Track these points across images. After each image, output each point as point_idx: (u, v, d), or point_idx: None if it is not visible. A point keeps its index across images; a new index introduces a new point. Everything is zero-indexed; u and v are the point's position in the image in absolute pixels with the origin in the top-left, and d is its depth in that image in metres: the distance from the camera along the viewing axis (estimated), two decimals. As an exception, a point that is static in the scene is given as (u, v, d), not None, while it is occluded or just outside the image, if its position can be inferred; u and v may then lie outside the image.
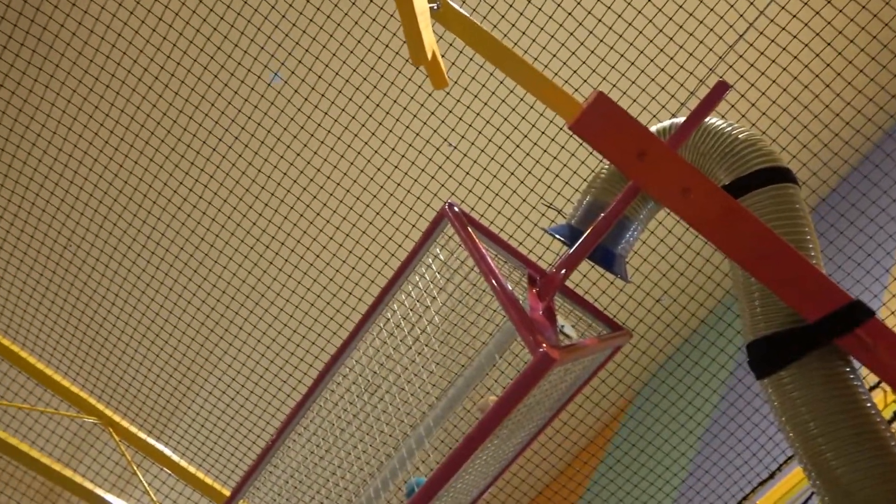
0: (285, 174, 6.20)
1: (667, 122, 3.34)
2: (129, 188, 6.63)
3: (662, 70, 4.49)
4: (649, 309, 6.23)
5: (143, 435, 6.55)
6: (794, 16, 4.37)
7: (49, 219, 6.75)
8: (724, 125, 2.94)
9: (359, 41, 5.19)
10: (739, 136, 2.86)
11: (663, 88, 4.57)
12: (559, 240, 3.30)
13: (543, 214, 4.91)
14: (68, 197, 6.58)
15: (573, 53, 4.66)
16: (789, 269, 2.23)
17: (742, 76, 4.41)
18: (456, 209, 2.84)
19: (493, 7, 4.55)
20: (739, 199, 2.63)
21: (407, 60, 5.01)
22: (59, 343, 7.13)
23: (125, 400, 7.35)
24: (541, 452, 7.16)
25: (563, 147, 5.20)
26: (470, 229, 2.70)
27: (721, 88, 2.31)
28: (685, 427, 6.60)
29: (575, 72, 4.59)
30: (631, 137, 2.14)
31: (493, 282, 2.32)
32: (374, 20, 5.14)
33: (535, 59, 4.67)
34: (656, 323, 6.46)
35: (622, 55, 4.43)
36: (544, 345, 1.95)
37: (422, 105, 4.87)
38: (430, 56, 2.14)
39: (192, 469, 6.42)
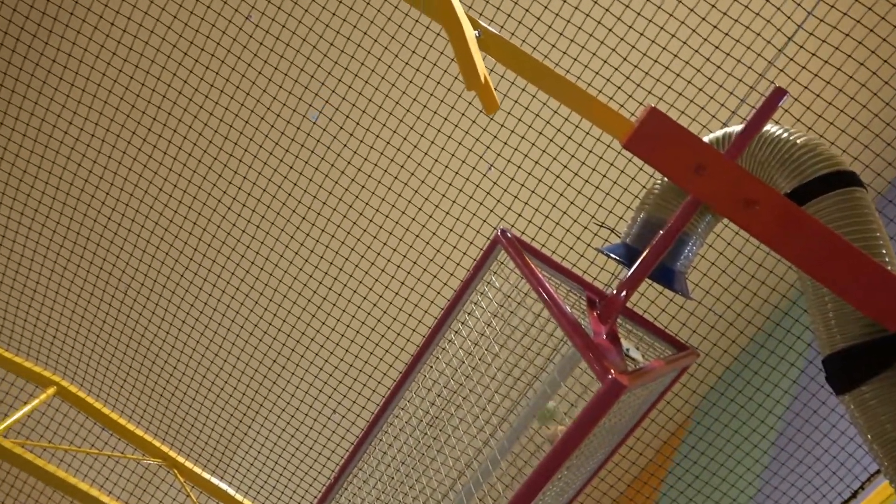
0: (335, 209, 6.27)
1: (719, 133, 3.26)
2: (185, 233, 6.79)
3: (710, 79, 4.41)
4: (702, 318, 6.04)
5: (206, 475, 6.63)
6: (845, 13, 4.24)
7: (109, 266, 6.97)
8: (781, 131, 2.85)
9: (399, 73, 5.24)
10: (797, 141, 2.76)
11: (712, 98, 4.47)
12: (615, 259, 3.23)
13: (596, 234, 4.83)
14: (127, 245, 6.79)
15: (616, 69, 4.61)
16: (864, 277, 2.12)
17: (794, 79, 4.29)
18: (509, 235, 2.81)
19: (531, 29, 4.55)
20: (804, 207, 2.54)
21: (449, 90, 5.03)
22: (123, 388, 7.31)
23: (188, 441, 7.46)
24: (600, 475, 6.97)
25: (611, 164, 5.14)
26: (525, 255, 2.66)
27: (777, 95, 2.23)
28: (749, 440, 6.34)
29: (619, 88, 4.54)
30: (687, 151, 2.08)
31: (554, 308, 2.26)
32: (414, 52, 5.19)
33: (578, 77, 4.64)
34: (710, 333, 6.26)
35: (667, 67, 4.36)
36: (612, 371, 1.89)
37: (466, 132, 4.88)
38: (482, 80, 2.13)
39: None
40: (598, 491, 6.82)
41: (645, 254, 2.56)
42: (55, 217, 6.71)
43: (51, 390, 6.64)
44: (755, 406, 5.91)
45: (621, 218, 4.54)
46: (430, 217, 5.71)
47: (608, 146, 4.31)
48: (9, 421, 6.19)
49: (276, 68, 5.53)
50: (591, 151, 5.01)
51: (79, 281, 7.08)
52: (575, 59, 4.58)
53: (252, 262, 6.60)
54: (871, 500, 3.77)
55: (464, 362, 2.76)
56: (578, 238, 5.06)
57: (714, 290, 5.66)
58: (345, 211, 6.05)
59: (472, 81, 2.14)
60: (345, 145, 5.73)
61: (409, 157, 5.60)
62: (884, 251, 2.41)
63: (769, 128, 2.87)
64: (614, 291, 2.59)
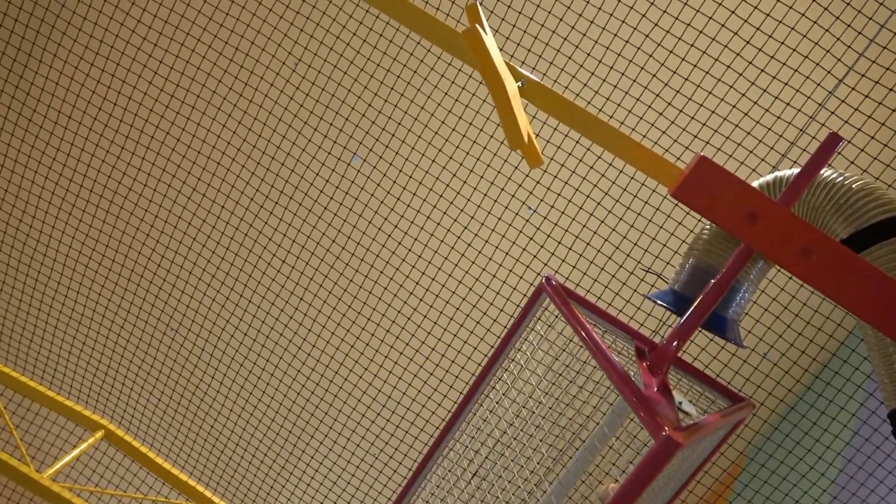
0: (378, 255, 6.31)
1: (770, 177, 3.18)
2: (231, 279, 6.90)
3: (758, 122, 4.33)
4: (756, 366, 5.84)
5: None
6: (896, 54, 4.15)
7: (158, 312, 7.11)
8: (835, 175, 2.77)
9: (442, 121, 5.31)
10: (853, 186, 2.68)
11: (761, 141, 4.39)
12: (663, 307, 3.15)
13: (642, 279, 4.74)
14: (175, 291, 6.92)
15: (661, 114, 4.58)
16: (935, 329, 2.02)
17: (846, 121, 4.19)
18: (554, 282, 2.77)
19: (574, 76, 4.57)
20: (861, 254, 2.45)
21: (493, 139, 5.06)
22: (168, 432, 7.37)
23: (230, 487, 7.46)
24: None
25: (657, 209, 5.07)
26: (570, 302, 2.61)
27: (833, 141, 2.17)
28: (809, 494, 6.03)
29: (664, 132, 4.50)
30: (739, 200, 2.03)
31: (602, 359, 2.21)
32: (457, 100, 5.26)
33: (622, 122, 4.62)
34: (765, 381, 6.03)
35: (713, 111, 4.31)
36: (667, 428, 1.82)
37: (509, 178, 4.88)
38: (525, 138, 2.12)
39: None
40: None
41: (697, 303, 2.49)
42: (107, 264, 6.90)
43: (99, 434, 6.74)
44: (813, 457, 5.64)
45: (668, 263, 4.45)
46: (474, 263, 5.70)
47: (654, 190, 4.26)
48: (59, 465, 6.29)
49: (321, 118, 5.66)
50: (636, 196, 4.96)
51: (128, 326, 7.23)
52: (619, 105, 4.57)
53: (296, 308, 6.66)
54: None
55: (509, 412, 2.71)
56: (624, 284, 4.97)
57: (768, 336, 5.49)
58: (388, 257, 6.08)
59: (515, 140, 2.14)
60: (388, 192, 5.80)
61: (451, 203, 5.63)
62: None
63: (822, 171, 2.79)
64: (664, 341, 2.52)
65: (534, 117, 4.33)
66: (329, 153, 5.74)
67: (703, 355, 5.54)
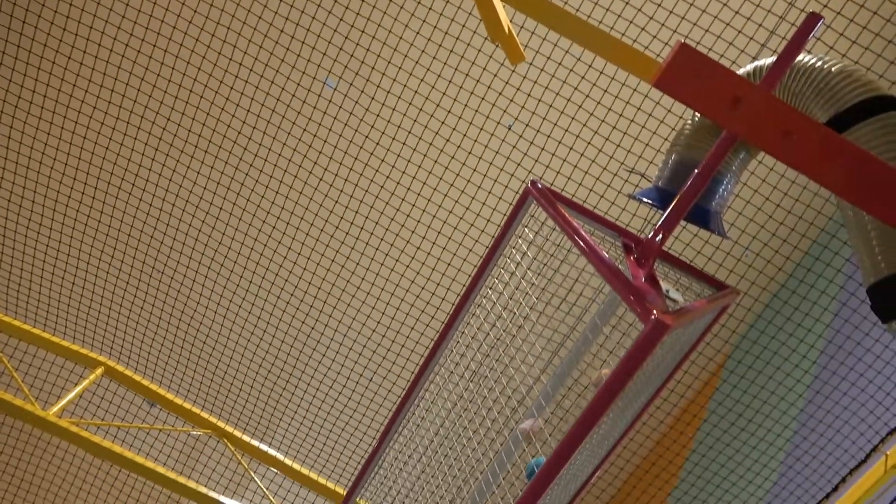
0: (361, 174, 6.28)
1: (750, 67, 3.18)
2: (215, 206, 6.87)
3: (737, 13, 4.26)
4: (739, 258, 5.97)
5: (255, 442, 6.83)
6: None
7: (144, 246, 7.10)
8: (815, 60, 2.78)
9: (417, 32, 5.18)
10: (832, 69, 2.69)
11: (740, 32, 4.34)
12: (648, 204, 3.19)
13: (626, 181, 4.77)
14: (161, 221, 6.89)
15: (639, 10, 4.49)
16: (912, 203, 2.07)
17: (825, 5, 4.14)
18: (539, 186, 2.79)
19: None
20: (843, 135, 2.48)
21: (468, 44, 4.96)
22: (168, 363, 7.50)
23: (235, 410, 7.66)
24: (642, 418, 7.03)
25: (638, 108, 5.04)
26: (557, 204, 2.64)
27: (812, 21, 2.16)
28: (791, 376, 6.30)
29: (643, 29, 4.43)
30: (722, 85, 2.03)
31: (591, 255, 2.25)
32: (430, 8, 5.12)
33: (600, 21, 4.53)
34: (748, 271, 6.18)
35: (692, 4, 4.23)
36: (655, 312, 1.88)
37: (488, 87, 4.81)
38: (506, 31, 2.09)
39: (304, 470, 6.65)
40: (640, 435, 6.87)
41: (680, 195, 2.53)
42: (87, 202, 6.83)
43: (99, 370, 6.85)
44: (795, 341, 5.87)
45: (651, 162, 4.48)
46: (458, 175, 5.69)
47: (634, 90, 4.22)
48: (62, 402, 6.41)
49: (292, 36, 5.50)
50: (616, 97, 4.92)
51: (115, 263, 7.23)
52: (596, 3, 4.48)
53: (283, 233, 6.66)
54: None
55: (502, 315, 2.78)
56: (609, 186, 5.01)
57: (749, 228, 5.59)
58: (371, 175, 6.06)
59: (497, 32, 2.11)
60: (367, 109, 5.71)
61: (431, 115, 5.56)
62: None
63: (802, 57, 2.79)
64: (650, 235, 2.57)
65: (511, 20, 4.23)
66: (304, 72, 5.62)
67: (688, 251, 5.65)
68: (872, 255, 2.40)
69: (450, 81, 5.31)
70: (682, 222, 3.11)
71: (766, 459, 6.30)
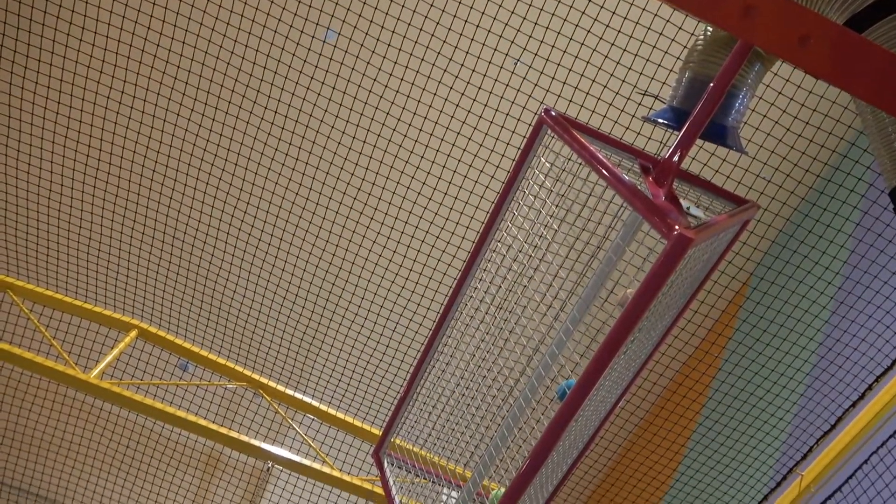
0: (373, 119, 6.25)
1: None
2: (242, 155, 6.89)
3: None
4: (758, 174, 5.90)
5: (289, 391, 7.02)
6: None
7: (167, 200, 7.18)
8: (829, -39, 2.69)
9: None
10: (847, -32, 2.61)
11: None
12: (663, 125, 3.17)
13: (639, 104, 4.70)
14: (180, 176, 6.96)
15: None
16: (933, 99, 2.04)
17: None
18: (553, 113, 2.77)
19: None
20: (863, 35, 2.42)
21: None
22: (199, 321, 7.67)
23: (268, 361, 7.85)
24: (668, 341, 7.10)
25: (648, 28, 4.92)
26: (572, 130, 2.63)
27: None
28: (815, 288, 6.28)
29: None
30: (733, -7, 1.99)
31: (610, 176, 2.26)
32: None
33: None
34: (767, 187, 6.13)
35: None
36: (677, 227, 1.90)
37: (494, 18, 4.71)
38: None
39: (339, 414, 6.83)
40: (667, 356, 6.96)
41: (695, 112, 2.51)
42: (108, 169, 6.88)
43: (133, 333, 7.03)
44: (818, 253, 5.83)
45: (664, 83, 4.40)
46: (469, 112, 5.64)
47: (643, 9, 4.10)
48: (101, 365, 6.61)
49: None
50: (625, 18, 4.79)
51: (139, 227, 7.33)
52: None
53: (303, 174, 6.68)
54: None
55: (525, 245, 2.80)
56: (622, 111, 4.94)
57: (768, 142, 5.51)
58: (383, 119, 6.02)
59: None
60: (368, 63, 5.64)
61: (438, 53, 5.49)
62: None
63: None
64: (667, 155, 2.56)
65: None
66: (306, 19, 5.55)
67: (706, 171, 5.61)
68: (894, 157, 2.38)
69: (454, 16, 5.22)
70: (700, 141, 3.09)
71: (792, 372, 6.37)
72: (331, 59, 5.84)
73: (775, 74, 4.41)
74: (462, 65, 5.57)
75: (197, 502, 9.88)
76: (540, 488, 3.18)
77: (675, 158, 2.54)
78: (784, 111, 4.77)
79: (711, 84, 2.41)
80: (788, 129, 4.58)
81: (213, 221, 7.20)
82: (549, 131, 2.81)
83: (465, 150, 5.79)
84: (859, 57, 2.06)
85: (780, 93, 4.31)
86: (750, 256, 6.47)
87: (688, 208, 2.38)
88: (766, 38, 2.01)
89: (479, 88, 5.67)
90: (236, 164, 6.87)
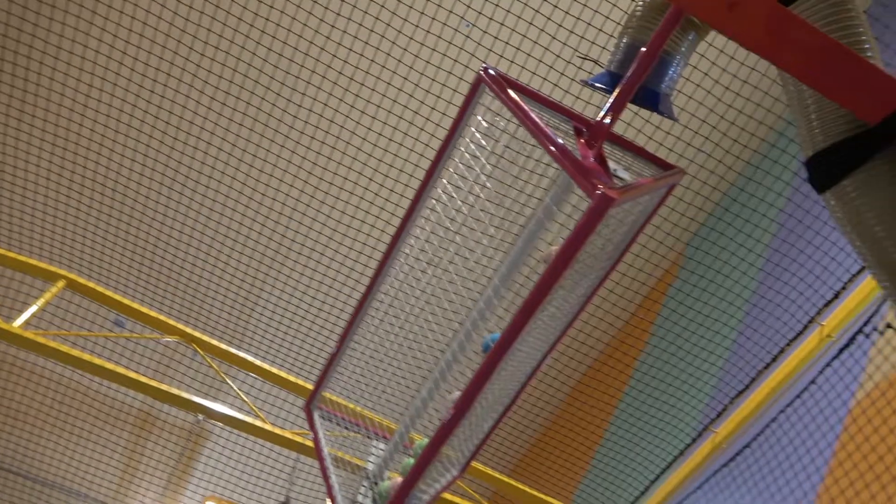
0: (324, 77, 6.12)
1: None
2: (178, 106, 6.66)
3: None
4: (699, 148, 6.06)
5: (224, 345, 6.94)
6: None
7: (108, 152, 6.92)
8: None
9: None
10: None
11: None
12: (600, 89, 3.21)
13: (579, 68, 4.74)
14: (122, 127, 6.70)
15: None
16: (847, 72, 2.14)
17: None
18: (492, 72, 2.78)
19: None
20: (790, 8, 2.49)
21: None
22: (131, 274, 7.48)
23: (202, 316, 7.73)
24: (603, 306, 7.32)
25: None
26: (509, 90, 2.64)
27: None
28: (745, 261, 6.55)
29: None
30: (666, -43, 2.02)
31: (541, 136, 2.29)
32: None
33: None
34: (707, 161, 6.31)
35: None
36: (601, 187, 1.95)
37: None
38: None
39: (273, 369, 6.80)
40: (604, 322, 7.15)
41: (629, 74, 2.56)
42: (36, 113, 6.57)
43: (60, 283, 6.79)
44: (751, 227, 6.05)
45: (605, 48, 4.44)
46: (411, 68, 5.59)
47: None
48: (25, 315, 6.38)
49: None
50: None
51: (66, 174, 7.04)
52: None
53: (241, 124, 6.53)
54: (854, 296, 4.00)
55: (459, 203, 2.82)
56: (562, 74, 4.97)
57: (700, 112, 5.65)
58: (324, 71, 5.91)
59: None
60: (309, 12, 5.50)
61: (383, 6, 5.40)
62: (867, 46, 2.40)
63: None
64: (599, 118, 2.61)
65: None
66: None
67: (651, 145, 5.72)
68: (811, 128, 2.47)
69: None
70: (649, 114, 3.15)
71: (718, 339, 6.64)
72: (271, 6, 5.68)
73: (721, 51, 4.52)
74: (405, 20, 5.49)
75: (131, 460, 9.75)
76: (465, 440, 3.27)
77: (607, 121, 2.59)
78: (727, 88, 4.90)
79: (643, 49, 2.45)
80: (730, 106, 4.70)
81: (150, 173, 6.99)
82: (486, 90, 2.82)
83: (406, 107, 5.75)
84: (782, 27, 2.13)
85: (718, 66, 4.41)
86: (687, 227, 6.69)
87: (615, 171, 2.44)
88: (695, 2, 2.05)
89: (423, 45, 5.62)
90: (178, 115, 6.66)
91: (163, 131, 6.71)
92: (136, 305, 6.92)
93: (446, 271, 2.87)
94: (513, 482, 5.91)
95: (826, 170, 2.40)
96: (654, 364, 7.38)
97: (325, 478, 3.46)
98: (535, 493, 5.88)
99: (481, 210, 2.68)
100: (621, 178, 2.40)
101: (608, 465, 7.57)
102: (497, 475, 6.00)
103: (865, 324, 4.03)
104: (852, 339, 4.05)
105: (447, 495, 5.44)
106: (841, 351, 4.09)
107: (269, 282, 7.50)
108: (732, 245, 6.39)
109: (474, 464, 5.32)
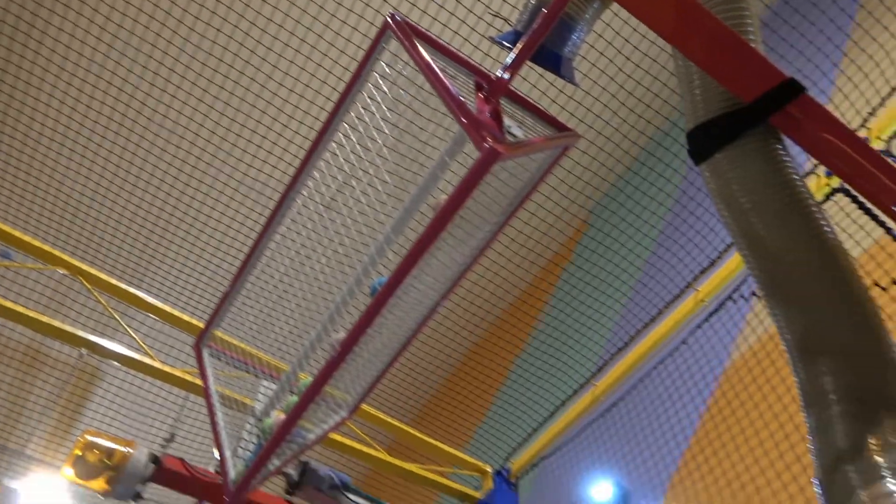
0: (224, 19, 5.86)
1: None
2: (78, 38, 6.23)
3: None
4: (607, 121, 6.27)
5: (114, 281, 6.69)
6: None
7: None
8: None
9: None
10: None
11: None
12: (505, 46, 3.26)
13: (490, 25, 4.77)
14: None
15: None
16: (726, 50, 2.29)
17: None
18: (398, 19, 2.78)
19: None
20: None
21: None
22: (11, 202, 7.05)
23: (110, 253, 7.40)
24: (507, 266, 7.54)
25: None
26: (414, 39, 2.65)
27: None
28: (641, 233, 6.89)
29: None
30: (568, -80, 2.07)
31: (440, 87, 2.33)
32: None
33: None
34: (614, 135, 6.53)
35: None
36: (490, 140, 2.01)
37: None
38: None
39: (165, 307, 6.62)
40: (507, 282, 7.35)
41: (528, 35, 2.62)
42: None
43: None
44: (648, 200, 6.32)
45: (515, 7, 4.48)
46: (322, 8, 5.44)
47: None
48: None
49: None
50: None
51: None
52: None
53: (137, 50, 6.21)
54: (728, 265, 4.31)
55: (357, 149, 2.83)
56: (473, 29, 4.99)
57: (611, 87, 5.84)
58: (225, 14, 5.67)
59: None
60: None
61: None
62: (750, 28, 2.54)
63: None
64: (499, 74, 2.66)
65: None
66: None
67: (563, 116, 5.85)
68: (694, 102, 2.62)
69: None
70: (563, 83, 3.23)
71: (611, 302, 6.98)
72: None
73: (616, 14, 4.64)
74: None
75: (17, 398, 9.29)
76: (353, 383, 3.34)
77: (506, 77, 2.65)
78: (638, 66, 5.05)
79: (544, 10, 2.51)
80: (639, 83, 4.87)
81: (47, 98, 6.54)
82: (392, 37, 2.81)
83: (314, 47, 5.62)
84: (671, 4, 2.24)
85: (617, 33, 4.54)
86: (591, 196, 6.92)
87: (509, 127, 2.51)
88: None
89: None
90: (64, 31, 6.22)
91: (51, 49, 6.28)
92: (20, 234, 6.54)
93: (341, 214, 2.89)
94: (410, 429, 6.06)
95: (703, 142, 2.55)
96: (552, 322, 7.68)
97: (211, 414, 3.47)
98: (431, 440, 6.06)
99: (379, 156, 2.71)
100: (514, 135, 2.47)
101: (501, 416, 7.89)
102: (396, 423, 6.13)
103: (735, 291, 4.36)
104: (721, 305, 4.38)
105: (345, 440, 5.53)
106: (711, 315, 4.42)
107: (163, 217, 7.25)
108: (631, 217, 6.67)
109: (374, 412, 5.44)
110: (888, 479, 1.53)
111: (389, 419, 6.22)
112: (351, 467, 6.38)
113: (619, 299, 7.07)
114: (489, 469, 5.67)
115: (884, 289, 3.46)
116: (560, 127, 3.06)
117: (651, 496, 5.67)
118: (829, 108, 4.96)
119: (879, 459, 1.59)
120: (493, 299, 8.02)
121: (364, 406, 5.66)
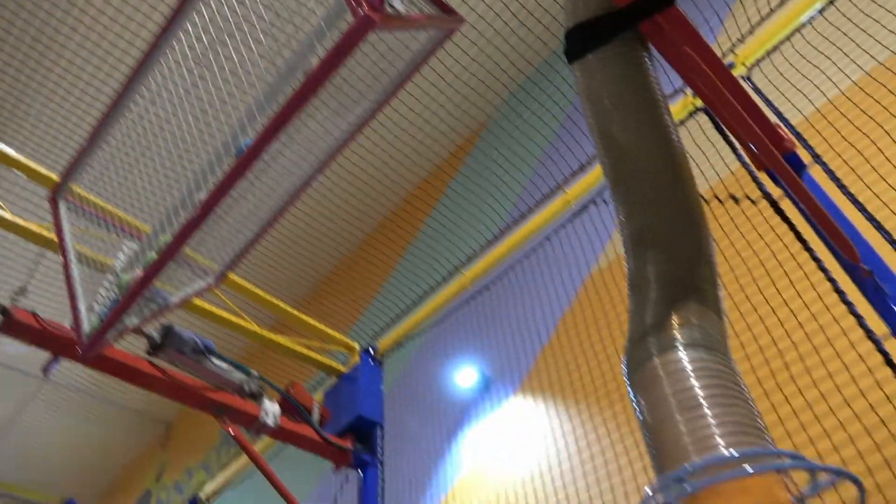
0: None
1: None
2: None
3: None
4: (514, 29, 6.21)
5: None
6: None
7: None
8: None
9: None
10: None
11: None
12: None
13: None
14: None
15: None
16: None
17: None
18: None
19: None
20: None
21: None
22: None
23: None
24: (404, 163, 7.58)
25: None
26: None
27: None
28: (535, 141, 6.96)
29: None
30: None
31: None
32: None
33: None
34: (517, 44, 6.50)
35: None
36: (365, 8, 1.99)
37: None
38: None
39: (22, 159, 6.16)
40: (407, 171, 7.36)
41: None
42: None
43: None
44: (542, 110, 6.37)
45: None
46: None
47: None
48: None
49: None
50: None
51: None
52: None
53: None
54: (596, 171, 4.53)
55: (234, 4, 2.70)
56: None
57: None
58: None
59: None
60: None
61: None
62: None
63: None
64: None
65: None
66: None
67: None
68: (576, 2, 2.67)
69: None
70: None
71: (503, 200, 7.15)
72: None
73: None
74: None
75: None
76: (219, 250, 3.34)
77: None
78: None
79: None
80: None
81: None
82: None
83: None
84: None
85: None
86: (484, 108, 6.91)
87: (391, 1, 2.47)
88: None
89: None
90: None
91: None
92: None
93: (212, 73, 2.77)
94: (294, 311, 6.07)
95: (578, 42, 2.63)
96: (441, 218, 7.81)
97: (66, 266, 3.37)
98: (314, 322, 6.12)
99: (255, 16, 2.60)
100: (395, 9, 2.44)
101: (383, 302, 8.09)
102: (274, 300, 6.11)
103: (598, 194, 4.60)
104: (585, 207, 4.63)
105: (221, 312, 5.50)
106: (575, 216, 4.67)
107: (18, 64, 6.61)
108: (525, 126, 6.74)
109: (260, 292, 5.43)
110: (680, 349, 1.77)
111: (269, 296, 6.23)
112: (231, 343, 6.43)
113: (511, 198, 7.26)
114: (356, 346, 5.88)
115: (736, 200, 3.73)
116: (446, 9, 3.04)
117: (509, 385, 6.10)
118: (722, 33, 5.14)
119: (677, 334, 1.83)
120: (389, 193, 8.08)
121: (246, 284, 5.65)
